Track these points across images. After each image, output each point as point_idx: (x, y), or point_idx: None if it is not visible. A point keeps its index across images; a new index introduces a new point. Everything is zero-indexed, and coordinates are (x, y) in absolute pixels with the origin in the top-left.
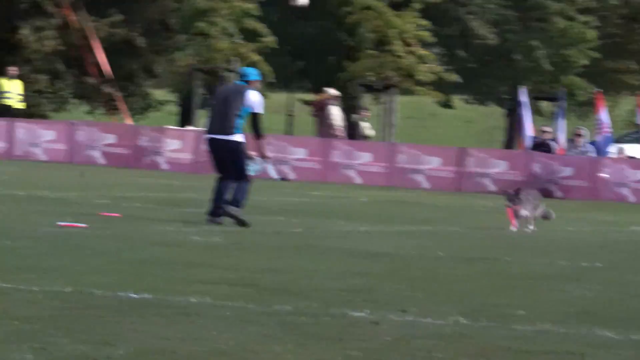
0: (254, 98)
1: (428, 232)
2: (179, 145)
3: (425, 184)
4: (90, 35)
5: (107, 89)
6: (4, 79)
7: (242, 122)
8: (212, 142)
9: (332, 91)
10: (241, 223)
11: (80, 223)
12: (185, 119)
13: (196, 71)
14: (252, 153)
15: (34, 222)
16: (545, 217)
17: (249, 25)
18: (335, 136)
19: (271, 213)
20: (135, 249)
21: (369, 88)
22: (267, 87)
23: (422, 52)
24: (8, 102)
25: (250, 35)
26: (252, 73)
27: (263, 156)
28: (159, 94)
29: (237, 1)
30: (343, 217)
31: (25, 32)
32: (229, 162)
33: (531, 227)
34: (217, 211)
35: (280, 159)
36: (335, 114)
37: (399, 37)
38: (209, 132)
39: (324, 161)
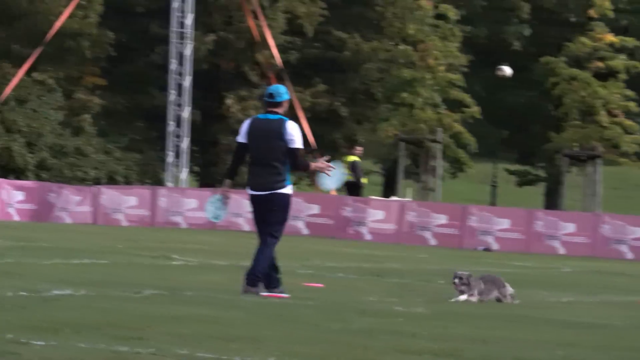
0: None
1: (631, 303)
2: (382, 215)
3: (630, 255)
4: (295, 105)
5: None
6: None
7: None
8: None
9: None
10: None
11: (283, 293)
12: (389, 189)
13: (401, 141)
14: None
15: (237, 292)
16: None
17: (453, 95)
18: None
19: None
20: (337, 320)
21: (574, 159)
22: (471, 157)
23: (627, 122)
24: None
25: (455, 105)
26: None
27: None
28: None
29: (442, 72)
30: (546, 287)
31: (229, 102)
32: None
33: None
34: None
35: (485, 230)
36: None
37: (604, 108)
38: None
39: (527, 231)
